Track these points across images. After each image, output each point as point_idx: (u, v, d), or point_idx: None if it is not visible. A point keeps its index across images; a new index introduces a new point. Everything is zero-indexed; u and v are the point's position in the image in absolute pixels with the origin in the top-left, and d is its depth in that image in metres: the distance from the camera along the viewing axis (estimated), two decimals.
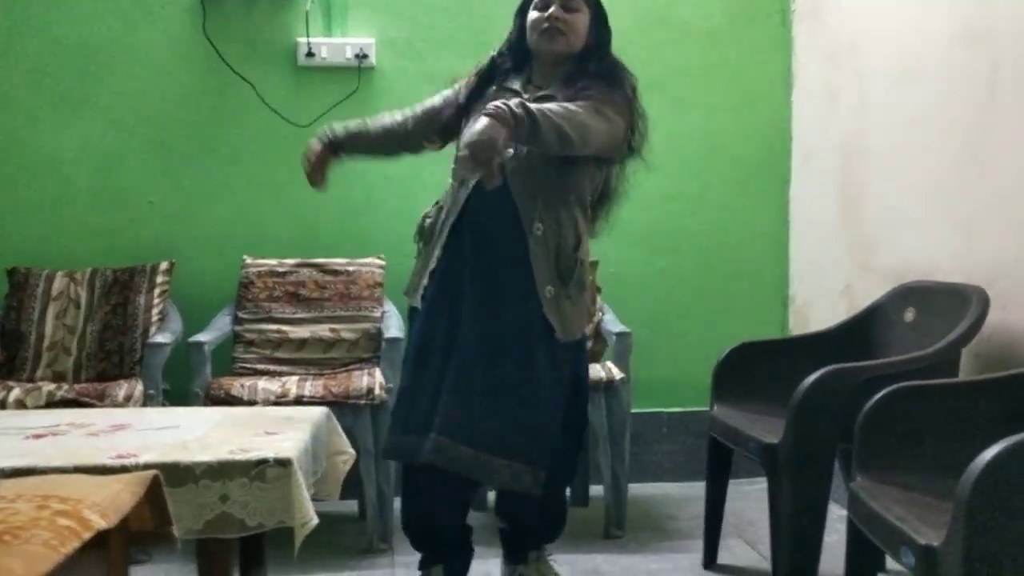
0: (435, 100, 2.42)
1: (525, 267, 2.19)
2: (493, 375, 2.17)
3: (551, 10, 2.23)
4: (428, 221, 2.36)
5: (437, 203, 2.38)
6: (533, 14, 2.27)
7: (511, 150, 2.17)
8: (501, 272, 2.21)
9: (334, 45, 3.45)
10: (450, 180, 2.35)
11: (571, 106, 2.10)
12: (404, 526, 2.38)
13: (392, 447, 2.31)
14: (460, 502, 2.36)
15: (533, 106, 2.03)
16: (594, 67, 2.27)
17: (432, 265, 2.29)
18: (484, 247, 2.23)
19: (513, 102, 2.01)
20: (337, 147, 2.44)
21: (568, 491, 3.38)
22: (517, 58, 2.33)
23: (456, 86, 2.41)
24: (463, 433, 2.14)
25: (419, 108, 2.43)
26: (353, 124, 2.45)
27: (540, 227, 2.20)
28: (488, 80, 2.34)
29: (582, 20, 2.27)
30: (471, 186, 2.22)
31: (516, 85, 2.29)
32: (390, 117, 2.44)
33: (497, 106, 1.98)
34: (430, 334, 2.26)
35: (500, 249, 2.21)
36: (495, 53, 2.37)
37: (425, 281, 2.31)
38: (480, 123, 1.96)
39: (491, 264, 2.22)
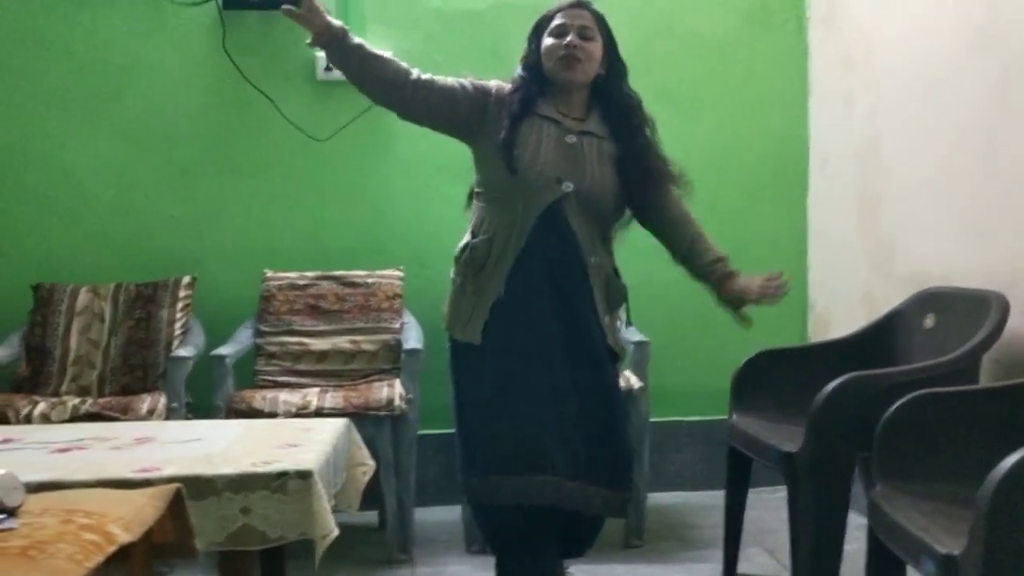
0: (450, 82, 2.27)
1: (587, 296, 2.25)
2: (589, 408, 2.22)
3: (569, 38, 2.23)
4: (475, 252, 2.24)
5: (478, 234, 2.26)
6: (549, 40, 2.26)
7: (571, 185, 2.20)
8: (568, 303, 2.23)
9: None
10: (479, 204, 2.29)
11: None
12: (501, 566, 2.33)
13: (491, 488, 2.19)
14: (552, 531, 2.31)
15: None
16: (616, 96, 2.33)
17: (493, 298, 2.21)
18: (548, 277, 2.21)
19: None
20: (331, 31, 2.17)
21: None
22: (538, 81, 2.29)
23: (468, 83, 2.29)
24: (570, 470, 2.17)
25: (429, 76, 2.26)
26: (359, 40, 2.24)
27: (595, 258, 2.27)
28: (526, 103, 2.25)
29: (597, 48, 2.28)
30: (535, 215, 2.19)
31: (549, 112, 2.26)
32: (396, 62, 2.26)
33: None
34: (510, 372, 2.18)
35: (564, 279, 2.23)
36: (523, 76, 2.30)
37: (486, 316, 2.22)
38: None
39: (555, 294, 2.21)
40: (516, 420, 2.16)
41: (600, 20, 2.30)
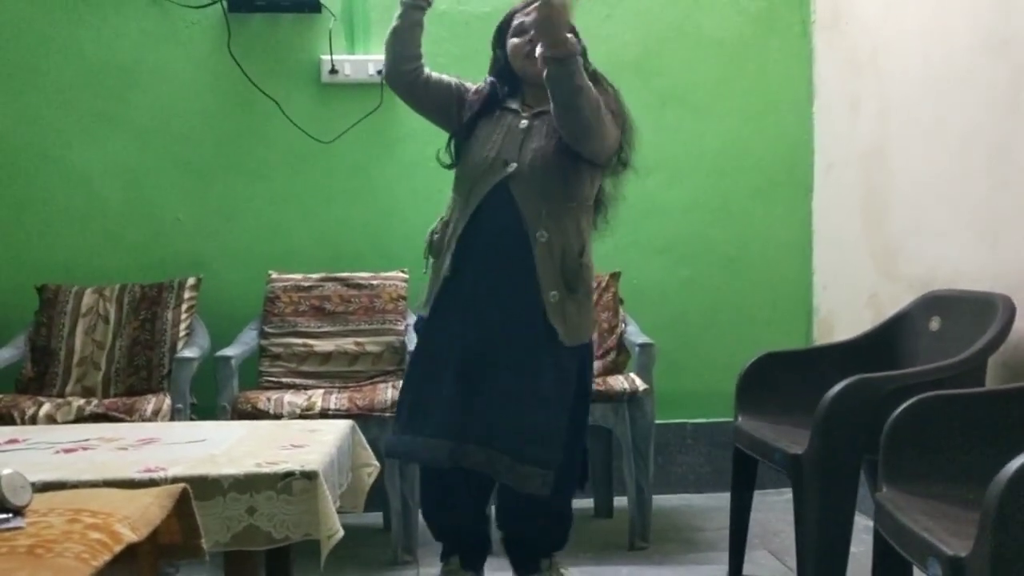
0: (446, 78, 2.46)
1: (530, 273, 2.27)
2: (500, 379, 2.26)
3: (530, 34, 2.30)
4: (435, 236, 2.43)
5: (442, 218, 2.44)
6: (513, 40, 2.37)
7: (514, 164, 2.29)
8: (506, 278, 2.29)
9: (357, 62, 3.48)
10: (451, 194, 2.44)
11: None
12: (425, 517, 2.53)
13: (397, 447, 2.38)
14: (476, 498, 2.45)
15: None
16: None
17: (443, 275, 2.35)
18: (491, 255, 2.30)
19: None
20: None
21: (592, 502, 3.41)
22: (510, 83, 2.42)
23: (459, 82, 2.47)
24: (474, 434, 2.26)
25: (432, 72, 2.45)
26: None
27: (544, 234, 2.28)
28: (491, 104, 2.41)
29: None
30: (479, 198, 2.30)
31: (515, 105, 2.39)
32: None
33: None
34: (438, 339, 2.34)
35: (506, 256, 2.29)
36: (493, 79, 2.44)
37: (437, 293, 2.37)
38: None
39: (497, 270, 2.30)
40: (418, 384, 2.34)
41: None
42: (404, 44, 2.37)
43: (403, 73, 2.40)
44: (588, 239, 2.39)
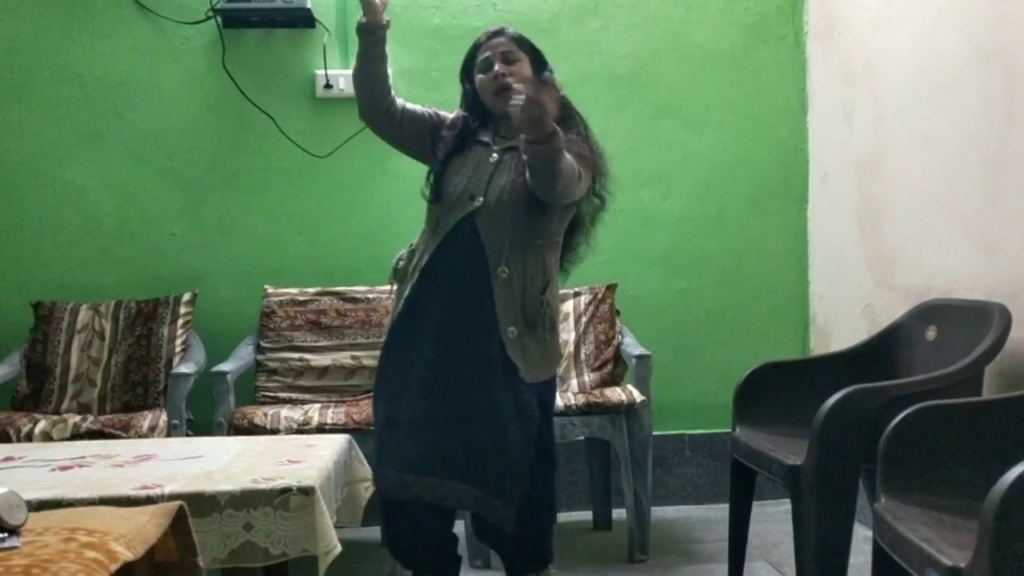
0: (419, 110, 2.44)
1: (489, 308, 2.25)
2: (455, 412, 2.23)
3: (496, 68, 2.31)
4: (401, 263, 2.42)
5: (410, 246, 2.43)
6: (480, 77, 2.36)
7: (480, 199, 2.28)
8: (465, 312, 2.26)
9: (351, 76, 3.48)
10: (424, 226, 2.43)
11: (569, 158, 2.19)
12: (389, 548, 2.42)
13: (375, 479, 2.35)
14: (440, 524, 2.39)
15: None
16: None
17: (402, 304, 2.34)
18: (452, 287, 2.27)
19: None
20: (381, 25, 2.33)
21: (591, 514, 3.40)
22: (481, 116, 2.41)
23: (433, 112, 2.46)
24: (430, 467, 2.22)
25: (405, 103, 2.43)
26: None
27: (506, 270, 2.26)
28: (463, 138, 2.39)
29: (524, 67, 2.34)
30: (444, 232, 2.30)
31: (486, 138, 2.38)
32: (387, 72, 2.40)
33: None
34: (395, 366, 2.31)
35: (467, 289, 2.26)
36: (464, 114, 2.43)
37: (396, 318, 2.35)
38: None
39: (458, 303, 2.27)
40: (382, 416, 2.31)
41: (520, 41, 2.38)
42: (374, 80, 2.35)
43: (379, 110, 2.39)
44: (554, 276, 2.36)
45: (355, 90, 2.40)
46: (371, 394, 3.11)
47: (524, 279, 2.27)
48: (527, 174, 2.20)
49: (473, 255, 2.26)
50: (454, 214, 2.30)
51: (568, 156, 2.15)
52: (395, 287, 2.43)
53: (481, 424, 2.22)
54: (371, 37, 2.31)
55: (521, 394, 2.26)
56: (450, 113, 2.46)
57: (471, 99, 2.42)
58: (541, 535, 2.44)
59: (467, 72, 2.42)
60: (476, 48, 2.40)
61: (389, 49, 2.36)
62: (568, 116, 2.34)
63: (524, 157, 2.15)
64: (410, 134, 2.43)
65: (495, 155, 2.34)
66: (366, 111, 2.41)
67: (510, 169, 2.30)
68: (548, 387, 2.38)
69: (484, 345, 2.24)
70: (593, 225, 2.42)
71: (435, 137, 2.42)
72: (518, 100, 2.04)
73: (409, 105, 2.43)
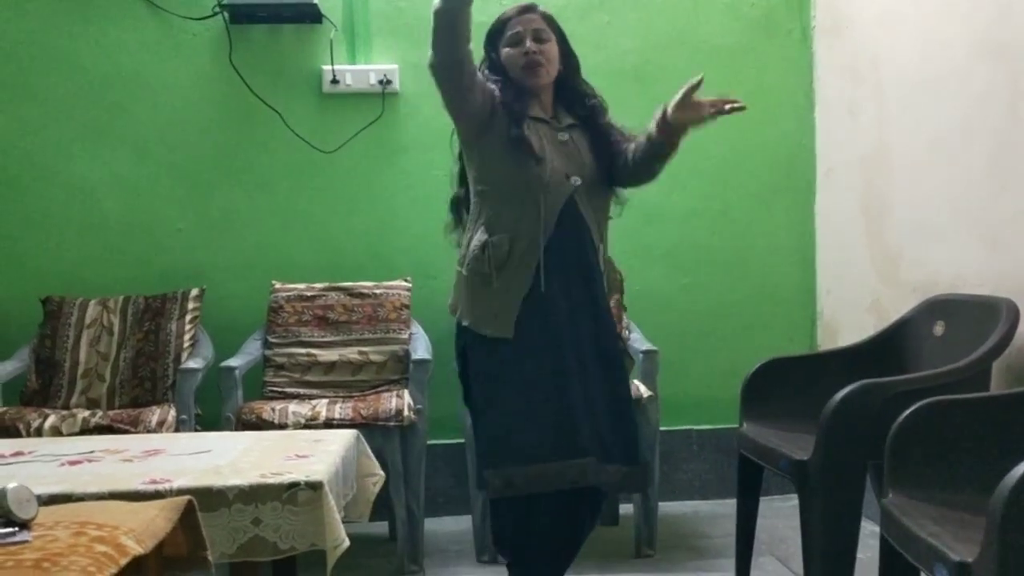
0: (485, 81, 2.32)
1: (599, 283, 2.35)
2: (607, 391, 2.31)
3: (528, 44, 2.31)
4: (498, 249, 2.26)
5: (495, 231, 2.27)
6: (508, 50, 2.34)
7: (579, 179, 2.31)
8: (584, 291, 2.32)
9: (358, 72, 3.49)
10: (484, 206, 2.31)
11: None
12: (517, 555, 2.33)
13: (515, 479, 2.20)
14: (580, 508, 2.33)
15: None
16: (581, 89, 2.43)
17: (524, 292, 2.25)
18: (569, 269, 2.30)
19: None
20: None
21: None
22: (513, 86, 2.32)
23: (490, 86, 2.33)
24: (599, 451, 2.25)
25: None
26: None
27: (603, 247, 2.38)
28: (519, 106, 2.31)
29: (553, 48, 2.36)
30: (555, 211, 2.27)
31: (541, 114, 2.36)
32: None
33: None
34: (530, 359, 2.24)
35: (582, 270, 2.32)
36: (500, 80, 2.33)
37: (518, 309, 2.25)
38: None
39: (577, 285, 2.31)
40: (554, 408, 2.23)
41: (550, 20, 2.39)
42: (462, 24, 2.13)
43: (458, 60, 2.18)
44: None
45: (435, 37, 2.14)
46: (378, 389, 3.15)
47: (606, 252, 2.40)
48: (642, 162, 2.32)
49: (582, 233, 2.31)
50: (558, 193, 2.27)
51: None
52: (487, 273, 2.27)
53: (626, 398, 2.35)
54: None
55: (625, 362, 2.46)
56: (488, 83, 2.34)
57: (497, 67, 2.36)
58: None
59: (492, 42, 2.39)
60: (505, 21, 2.37)
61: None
62: (593, 94, 2.44)
63: (655, 150, 2.29)
64: (479, 100, 2.26)
65: (564, 134, 2.36)
66: (445, 62, 2.18)
67: (584, 149, 2.36)
68: None
69: (602, 321, 2.34)
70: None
71: (493, 111, 2.29)
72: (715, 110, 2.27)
73: (482, 85, 2.28)
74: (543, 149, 2.30)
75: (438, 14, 2.12)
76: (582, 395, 2.26)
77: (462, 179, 2.44)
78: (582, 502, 2.30)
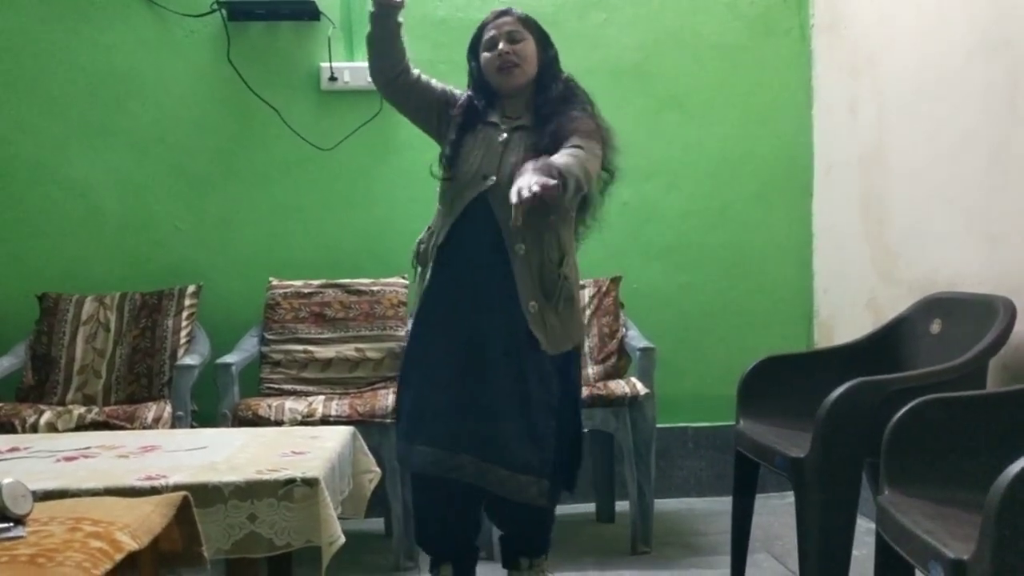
0: (434, 83, 2.49)
1: (509, 284, 2.31)
2: (486, 387, 2.29)
3: (500, 47, 2.37)
4: (422, 246, 2.46)
5: (429, 228, 2.48)
6: (485, 55, 2.41)
7: (493, 178, 2.32)
8: (487, 289, 2.33)
9: (356, 69, 3.49)
10: (438, 205, 2.46)
11: (577, 153, 2.25)
12: (417, 531, 2.52)
13: (399, 452, 2.44)
14: (469, 507, 2.44)
15: (560, 164, 2.16)
16: (555, 89, 2.42)
17: (424, 287, 2.41)
18: (472, 266, 2.34)
19: (555, 167, 2.14)
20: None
21: (594, 507, 3.41)
22: (487, 95, 2.45)
23: (448, 89, 2.50)
24: (464, 444, 2.27)
25: (422, 73, 2.48)
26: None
27: (522, 247, 2.31)
28: (471, 118, 2.43)
29: (529, 47, 2.40)
30: (459, 210, 2.34)
31: (494, 118, 2.42)
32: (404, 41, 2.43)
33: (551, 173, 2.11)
34: (423, 347, 2.38)
35: (486, 267, 2.32)
36: (470, 94, 2.47)
37: (421, 301, 2.42)
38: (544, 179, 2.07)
39: (478, 281, 2.33)
40: (441, 399, 2.31)
41: (526, 21, 2.43)
42: (387, 51, 2.40)
43: (386, 75, 2.44)
44: (570, 249, 2.42)
45: (368, 52, 2.43)
46: (375, 386, 3.16)
47: (541, 254, 2.33)
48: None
49: (489, 233, 2.32)
50: (468, 193, 2.34)
51: (575, 163, 2.21)
52: (419, 270, 2.47)
53: (508, 398, 2.28)
54: (386, 9, 2.34)
55: (544, 368, 2.32)
56: (457, 91, 2.50)
57: (476, 77, 2.47)
58: (548, 513, 2.49)
59: (473, 50, 2.47)
60: (483, 27, 2.45)
61: (403, 17, 2.39)
62: (572, 95, 2.41)
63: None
64: (415, 105, 2.48)
65: (504, 135, 2.38)
66: (375, 76, 2.46)
67: (519, 148, 2.35)
68: (571, 358, 2.44)
69: (507, 321, 2.31)
70: (603, 197, 2.46)
71: (445, 114, 2.46)
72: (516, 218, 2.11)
73: (424, 77, 2.47)
74: (471, 152, 2.36)
75: (371, 40, 2.40)
76: (473, 391, 2.28)
77: None
78: (471, 501, 2.40)
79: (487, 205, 2.33)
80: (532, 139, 2.37)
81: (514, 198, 2.08)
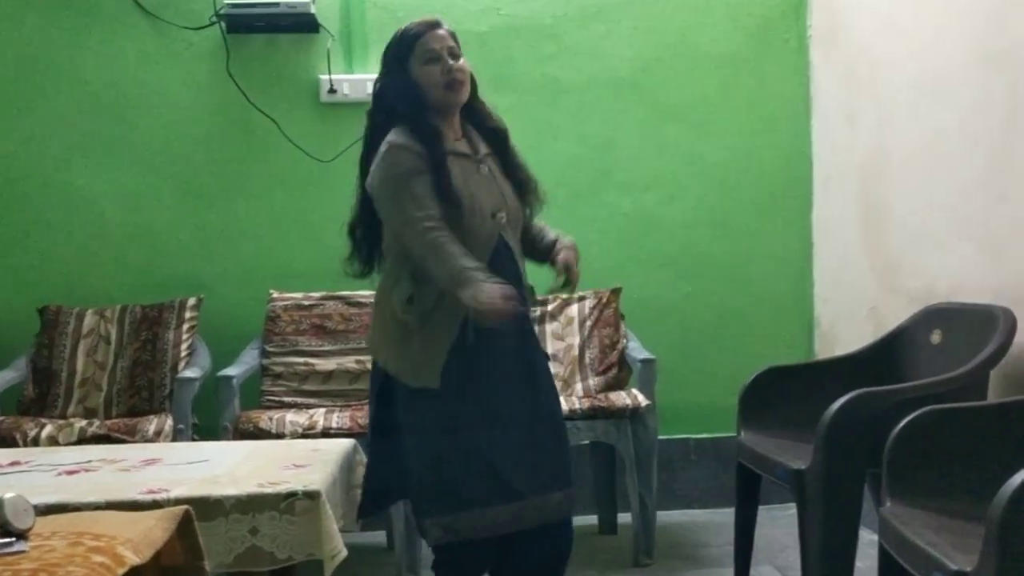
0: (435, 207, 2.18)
1: (527, 314, 2.30)
2: (545, 425, 2.26)
3: (449, 62, 2.20)
4: (424, 299, 2.17)
5: (422, 279, 2.17)
6: (427, 68, 2.19)
7: (504, 215, 2.23)
8: (526, 330, 2.30)
9: (356, 81, 3.49)
10: (394, 261, 2.29)
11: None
12: None
13: (469, 522, 2.15)
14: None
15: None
16: (480, 110, 2.31)
17: (450, 342, 2.15)
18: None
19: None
20: None
21: (596, 519, 3.40)
22: (420, 112, 2.22)
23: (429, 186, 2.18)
24: (546, 483, 2.21)
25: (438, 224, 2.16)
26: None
27: (527, 277, 2.31)
28: (434, 147, 2.19)
29: (468, 65, 2.25)
30: (487, 253, 2.19)
31: (464, 149, 2.24)
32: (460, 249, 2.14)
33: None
34: (471, 408, 2.17)
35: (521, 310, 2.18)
36: (408, 113, 2.21)
37: (444, 359, 2.15)
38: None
39: (519, 325, 2.22)
40: (486, 454, 2.15)
41: (455, 36, 2.26)
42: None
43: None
44: None
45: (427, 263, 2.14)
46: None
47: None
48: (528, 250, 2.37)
49: (513, 270, 2.22)
50: (485, 234, 2.19)
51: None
52: (410, 323, 2.17)
53: (552, 430, 2.29)
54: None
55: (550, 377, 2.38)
56: (408, 155, 2.17)
57: (410, 93, 2.21)
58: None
59: (400, 59, 2.22)
60: (415, 36, 2.22)
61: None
62: (491, 113, 2.34)
63: (537, 257, 2.36)
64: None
65: (484, 167, 2.25)
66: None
67: (502, 180, 2.27)
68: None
69: (539, 354, 2.34)
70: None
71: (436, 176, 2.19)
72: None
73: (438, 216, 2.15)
74: (466, 187, 2.17)
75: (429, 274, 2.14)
76: (513, 435, 2.18)
77: (363, 206, 2.31)
78: (531, 540, 2.21)
79: (504, 244, 2.22)
80: (498, 166, 2.29)
81: (574, 273, 2.25)
